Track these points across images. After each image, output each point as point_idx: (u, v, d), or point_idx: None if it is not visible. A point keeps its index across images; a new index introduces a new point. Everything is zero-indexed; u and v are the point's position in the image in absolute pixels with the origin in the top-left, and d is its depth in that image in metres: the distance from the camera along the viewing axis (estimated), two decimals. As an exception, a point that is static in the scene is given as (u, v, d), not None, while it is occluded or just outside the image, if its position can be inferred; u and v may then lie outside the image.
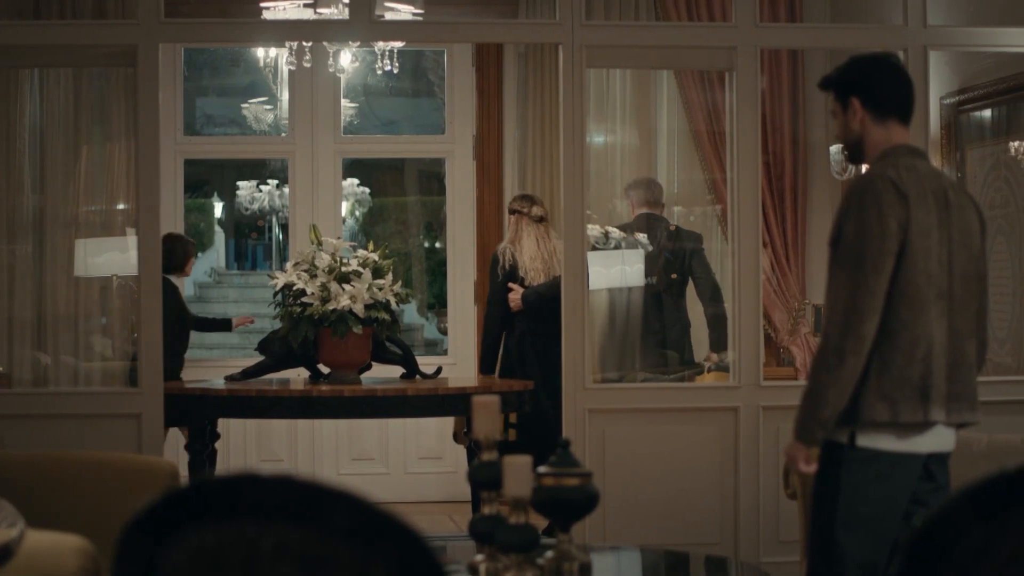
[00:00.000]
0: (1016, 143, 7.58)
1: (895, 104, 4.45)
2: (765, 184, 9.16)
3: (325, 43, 9.03)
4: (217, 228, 21.16)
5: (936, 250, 4.29)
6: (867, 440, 4.28)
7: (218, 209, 21.02)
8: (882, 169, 4.33)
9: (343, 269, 7.66)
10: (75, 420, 6.68)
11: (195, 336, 9.80)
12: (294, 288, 7.67)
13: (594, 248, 8.34)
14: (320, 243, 7.86)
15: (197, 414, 7.70)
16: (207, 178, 20.09)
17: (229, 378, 7.86)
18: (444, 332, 13.37)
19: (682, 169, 9.92)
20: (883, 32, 7.54)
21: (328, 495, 2.53)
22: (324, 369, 7.82)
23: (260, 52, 10.37)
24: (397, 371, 7.99)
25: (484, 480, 3.72)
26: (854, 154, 4.54)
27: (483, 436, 3.72)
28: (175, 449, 8.88)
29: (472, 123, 10.34)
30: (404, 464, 10.27)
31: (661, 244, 8.89)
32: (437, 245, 16.41)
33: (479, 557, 3.71)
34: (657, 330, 8.88)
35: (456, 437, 8.64)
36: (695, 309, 8.94)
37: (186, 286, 10.36)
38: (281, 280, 7.75)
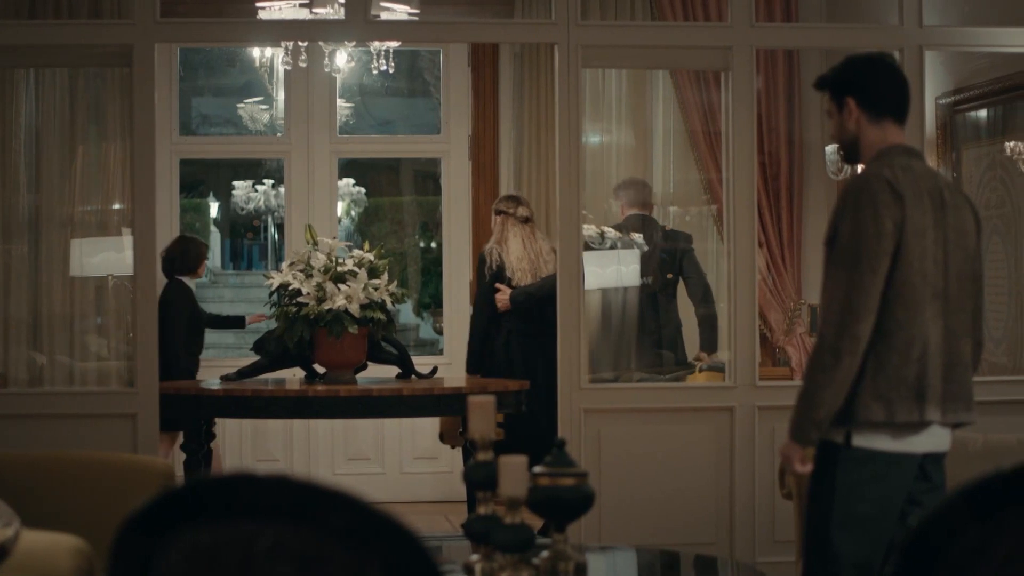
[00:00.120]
0: (1012, 143, 7.59)
1: (891, 104, 4.45)
2: (761, 184, 9.16)
3: (321, 43, 9.03)
4: (213, 228, 21.13)
5: (932, 250, 4.29)
6: (863, 440, 4.28)
7: (214, 209, 20.99)
8: (878, 169, 4.33)
9: (339, 269, 7.66)
10: (71, 420, 6.68)
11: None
12: (290, 288, 7.67)
13: (589, 248, 8.34)
14: (316, 243, 7.85)
15: (193, 414, 7.70)
16: (203, 178, 20.06)
17: (225, 378, 7.86)
18: (440, 332, 13.37)
19: (678, 169, 9.93)
20: (879, 32, 7.55)
21: (324, 495, 2.53)
22: (320, 369, 7.82)
23: (256, 52, 10.37)
24: (393, 371, 7.99)
25: (480, 480, 3.72)
26: (850, 154, 4.54)
27: (479, 436, 3.72)
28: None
29: (468, 123, 10.35)
30: (400, 464, 10.28)
31: (657, 244, 8.89)
32: (432, 245, 16.41)
33: (475, 557, 3.71)
34: (651, 330, 8.88)
35: (442, 438, 8.64)
36: (683, 309, 8.95)
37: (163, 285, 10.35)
38: (277, 280, 7.74)
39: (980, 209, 4.77)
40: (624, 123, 9.97)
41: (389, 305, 7.75)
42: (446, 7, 9.84)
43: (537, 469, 3.60)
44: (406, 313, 16.95)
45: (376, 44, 9.01)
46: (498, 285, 8.57)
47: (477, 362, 8.63)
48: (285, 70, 10.04)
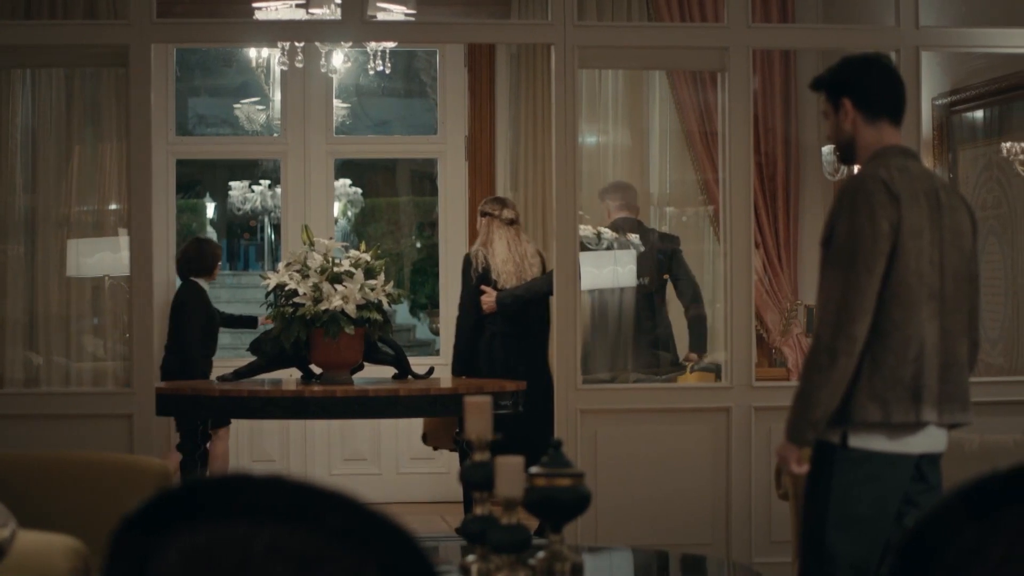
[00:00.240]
0: (1008, 144, 7.59)
1: (887, 105, 4.45)
2: (757, 185, 9.17)
3: (317, 43, 9.03)
4: (209, 228, 21.12)
5: (928, 251, 4.29)
6: (859, 441, 4.28)
7: (210, 209, 20.98)
8: (874, 170, 4.33)
9: (335, 270, 7.65)
10: (67, 420, 6.68)
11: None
12: (286, 288, 7.66)
13: (586, 248, 8.34)
14: (312, 243, 7.85)
15: (190, 414, 7.70)
16: (199, 178, 20.05)
17: (221, 378, 7.86)
18: (436, 332, 13.38)
19: (674, 169, 9.93)
20: (875, 33, 7.55)
21: (320, 495, 2.53)
22: (316, 369, 7.82)
23: (252, 52, 10.37)
24: (389, 371, 7.99)
25: (476, 480, 3.72)
26: (846, 155, 4.54)
27: (475, 437, 3.72)
28: (166, 449, 8.87)
29: (464, 124, 10.35)
30: (396, 464, 10.27)
31: (653, 245, 8.89)
32: (419, 245, 16.41)
33: (471, 558, 3.71)
34: (646, 330, 8.88)
35: (425, 439, 8.64)
36: (672, 310, 8.96)
37: (178, 286, 10.33)
38: (273, 280, 7.74)
39: (976, 210, 4.77)
40: (620, 124, 9.98)
41: (385, 306, 7.75)
42: (442, 8, 9.84)
43: (534, 470, 3.61)
44: (403, 314, 16.95)
45: (372, 45, 9.01)
46: (483, 287, 8.57)
47: (463, 364, 8.63)
48: (281, 70, 10.04)
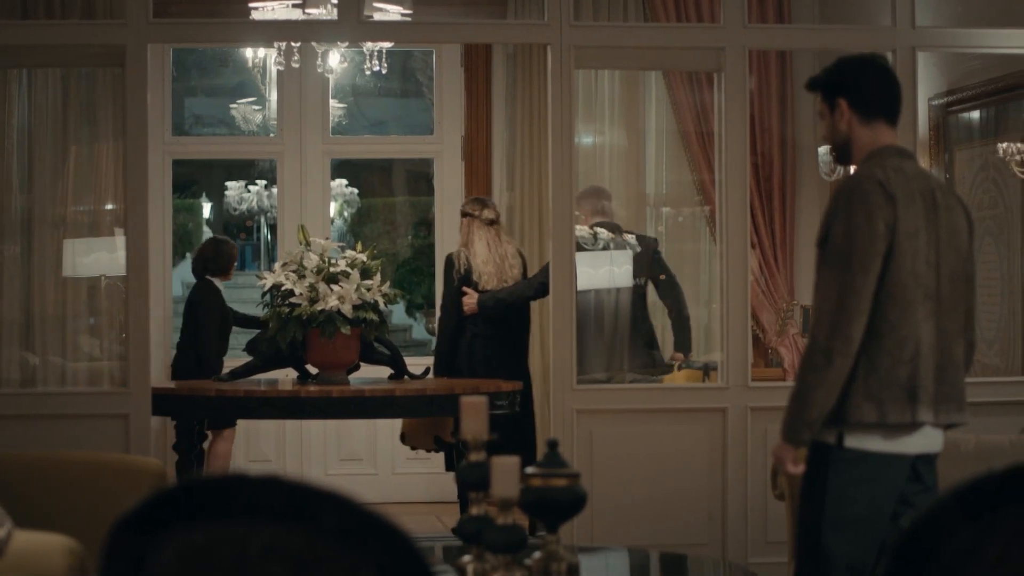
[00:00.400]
0: (1004, 144, 7.59)
1: (882, 105, 4.45)
2: (753, 185, 9.16)
3: (313, 43, 9.02)
4: (205, 228, 21.10)
5: (924, 251, 4.29)
6: (855, 441, 4.28)
7: (206, 209, 20.96)
8: (869, 170, 4.33)
9: (331, 270, 7.65)
10: (63, 420, 6.67)
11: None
12: (282, 288, 7.66)
13: (582, 249, 8.33)
14: (308, 244, 7.85)
15: (187, 414, 7.70)
16: (195, 178, 20.03)
17: (217, 378, 7.86)
18: (432, 333, 13.37)
19: (670, 170, 9.93)
20: (871, 33, 7.56)
21: (316, 496, 2.53)
22: (312, 370, 7.82)
23: (249, 52, 10.36)
24: (385, 371, 7.99)
25: (472, 481, 3.72)
26: (842, 155, 4.54)
27: (471, 437, 3.72)
28: (162, 449, 8.87)
29: (460, 124, 10.34)
30: (392, 465, 10.27)
31: (650, 245, 8.89)
32: (425, 245, 16.40)
33: (467, 558, 3.71)
34: (640, 331, 8.88)
35: (404, 439, 8.63)
36: (655, 312, 8.98)
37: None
38: (269, 280, 7.74)
39: (972, 210, 4.77)
40: (617, 124, 9.98)
41: (382, 306, 7.75)
42: (439, 8, 9.84)
43: (529, 470, 3.61)
44: (399, 314, 16.95)
45: (369, 45, 9.00)
46: (465, 289, 8.56)
47: (444, 365, 8.62)
48: (278, 70, 10.03)
